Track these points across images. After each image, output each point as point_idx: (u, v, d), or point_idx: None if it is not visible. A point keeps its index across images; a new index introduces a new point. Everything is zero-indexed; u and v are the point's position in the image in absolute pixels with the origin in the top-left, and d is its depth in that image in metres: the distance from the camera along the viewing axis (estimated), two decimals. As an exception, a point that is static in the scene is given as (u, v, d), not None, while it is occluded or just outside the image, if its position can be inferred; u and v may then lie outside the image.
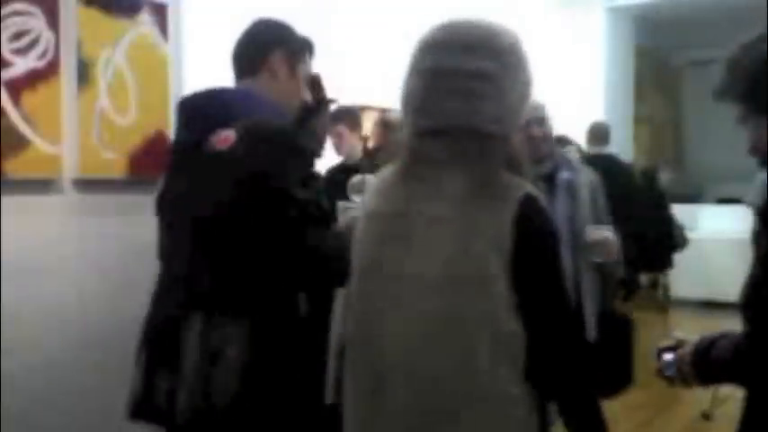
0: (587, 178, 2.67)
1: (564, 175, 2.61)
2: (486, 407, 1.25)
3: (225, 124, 1.65)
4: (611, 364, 2.43)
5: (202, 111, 1.76)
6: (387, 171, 1.43)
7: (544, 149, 2.57)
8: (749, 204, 8.63)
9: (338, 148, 3.85)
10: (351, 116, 3.94)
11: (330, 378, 1.71)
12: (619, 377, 2.44)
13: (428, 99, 1.31)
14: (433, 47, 1.34)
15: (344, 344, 1.44)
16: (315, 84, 2.55)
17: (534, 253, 1.25)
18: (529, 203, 1.25)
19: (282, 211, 1.59)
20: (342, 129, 3.77)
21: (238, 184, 1.60)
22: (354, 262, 1.39)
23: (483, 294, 1.23)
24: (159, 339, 1.69)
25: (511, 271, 1.22)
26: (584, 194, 2.59)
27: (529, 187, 1.28)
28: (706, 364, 1.45)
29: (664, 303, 7.61)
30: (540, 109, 2.55)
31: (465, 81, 1.28)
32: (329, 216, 1.76)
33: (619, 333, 2.49)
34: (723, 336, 1.44)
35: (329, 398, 1.71)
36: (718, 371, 1.44)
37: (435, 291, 1.26)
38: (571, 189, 2.56)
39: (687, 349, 1.47)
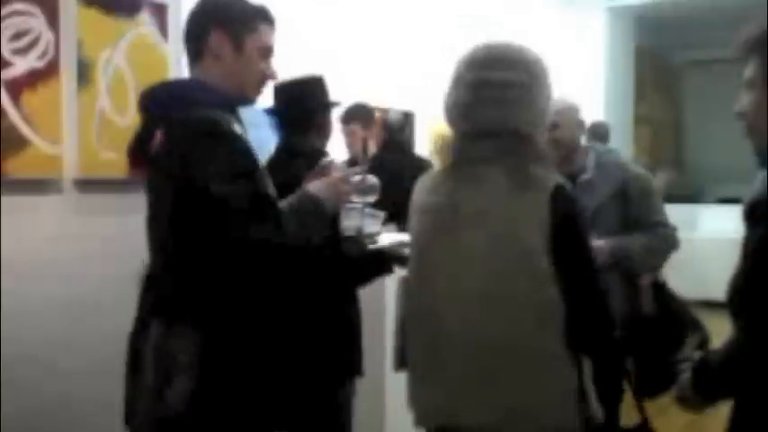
0: (614, 178, 2.59)
1: (585, 176, 2.59)
2: (534, 364, 1.51)
3: (163, 121, 1.61)
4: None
5: (148, 107, 1.71)
6: (435, 171, 1.74)
7: (560, 152, 2.58)
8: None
9: (351, 147, 3.85)
10: (365, 115, 3.95)
11: (396, 350, 1.78)
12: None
13: (472, 107, 1.57)
14: (476, 63, 1.59)
15: (405, 320, 1.70)
16: (318, 86, 2.55)
17: (567, 232, 1.50)
18: (559, 191, 1.51)
19: (203, 209, 1.51)
20: (355, 127, 3.77)
21: (167, 186, 1.58)
22: (412, 251, 1.66)
23: (528, 269, 1.49)
24: (130, 344, 1.70)
25: (550, 248, 1.48)
26: (605, 195, 2.55)
27: (558, 178, 1.54)
28: (707, 383, 1.51)
29: None
30: (555, 113, 2.56)
31: (503, 91, 1.54)
32: (266, 203, 1.57)
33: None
34: (711, 353, 1.53)
35: (394, 364, 1.81)
36: (717, 383, 1.49)
37: (486, 269, 1.52)
38: (590, 190, 2.54)
39: (685, 377, 1.56)
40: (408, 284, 1.68)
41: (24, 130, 2.46)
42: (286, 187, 1.73)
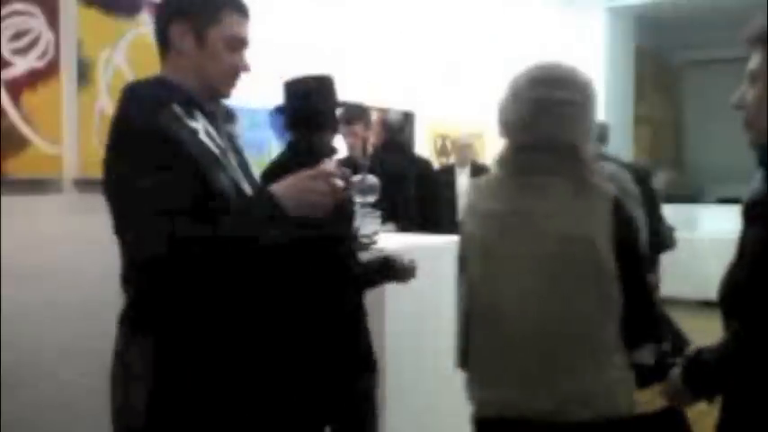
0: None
1: None
2: (595, 355, 1.66)
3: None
4: None
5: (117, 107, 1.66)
6: (488, 178, 1.84)
7: None
8: (749, 204, 8.51)
9: (352, 147, 3.85)
10: (365, 115, 3.97)
11: (459, 348, 1.85)
12: None
13: (531, 122, 1.70)
14: (534, 82, 1.73)
15: (469, 317, 1.80)
16: (332, 85, 2.54)
17: (626, 235, 1.68)
18: (617, 199, 1.69)
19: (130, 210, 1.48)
20: (358, 128, 3.78)
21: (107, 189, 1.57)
22: (474, 252, 1.78)
23: (595, 267, 1.64)
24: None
25: (612, 249, 1.64)
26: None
27: (612, 186, 1.71)
28: (698, 379, 1.56)
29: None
30: None
31: (561, 108, 1.70)
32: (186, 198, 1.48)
33: None
34: (705, 350, 1.56)
35: (457, 362, 1.86)
36: (710, 379, 1.54)
37: (553, 268, 1.66)
38: None
39: (675, 373, 1.62)
40: (472, 284, 1.80)
41: (24, 130, 2.46)
42: None
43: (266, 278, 1.61)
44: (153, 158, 1.46)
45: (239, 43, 1.63)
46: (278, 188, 1.50)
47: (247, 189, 1.63)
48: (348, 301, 2.35)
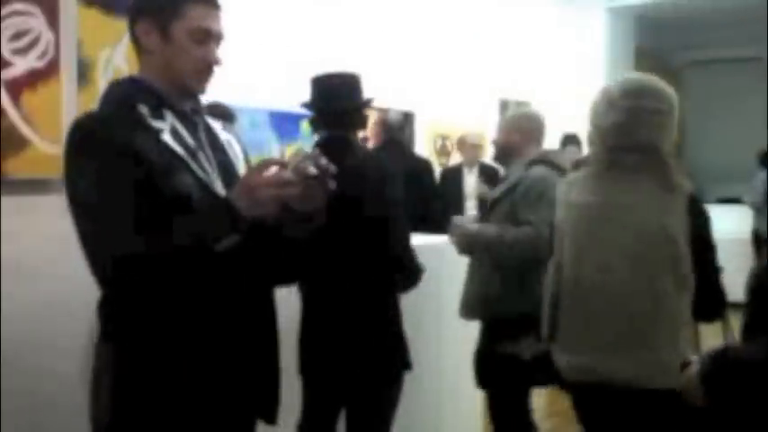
0: (515, 176, 2.96)
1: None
2: (669, 325, 1.96)
3: None
4: None
5: None
6: (579, 175, 2.16)
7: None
8: (749, 204, 8.62)
9: None
10: None
11: (547, 323, 2.13)
12: None
13: (628, 127, 2.02)
14: (630, 93, 2.04)
15: (556, 295, 2.10)
16: (360, 83, 2.56)
17: (699, 225, 2.01)
18: (693, 195, 2.02)
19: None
20: None
21: None
22: (566, 238, 2.10)
23: (673, 251, 1.96)
24: None
25: (688, 237, 1.96)
26: (504, 188, 2.95)
27: (689, 183, 2.05)
28: (720, 379, 1.60)
29: None
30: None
31: (652, 116, 2.02)
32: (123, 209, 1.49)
33: None
34: (732, 349, 1.66)
35: (545, 334, 2.15)
36: (735, 382, 1.57)
37: (634, 251, 1.98)
38: (500, 181, 3.09)
39: (694, 369, 1.67)
40: (563, 265, 2.10)
41: (24, 130, 2.46)
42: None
43: (227, 279, 1.56)
44: (101, 170, 1.46)
45: (206, 35, 1.58)
46: (235, 189, 1.47)
47: (219, 189, 1.59)
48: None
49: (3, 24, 2.40)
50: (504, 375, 2.80)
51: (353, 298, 2.39)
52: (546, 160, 2.90)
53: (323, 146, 2.44)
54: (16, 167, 2.43)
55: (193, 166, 1.56)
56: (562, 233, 2.12)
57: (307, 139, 4.10)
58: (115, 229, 1.43)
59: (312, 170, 1.46)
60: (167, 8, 1.56)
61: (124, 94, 1.59)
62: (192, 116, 1.65)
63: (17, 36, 2.44)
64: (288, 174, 1.44)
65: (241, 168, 1.73)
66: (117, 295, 1.54)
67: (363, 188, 2.36)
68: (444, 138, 6.39)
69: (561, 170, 2.78)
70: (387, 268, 2.44)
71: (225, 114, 3.40)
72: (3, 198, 2.35)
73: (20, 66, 2.45)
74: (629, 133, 2.02)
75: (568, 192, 2.15)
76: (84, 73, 2.65)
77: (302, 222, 1.59)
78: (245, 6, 4.34)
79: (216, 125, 1.76)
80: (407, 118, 5.37)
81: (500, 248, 2.75)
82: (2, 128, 2.39)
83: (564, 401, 3.94)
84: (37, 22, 2.49)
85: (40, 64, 2.50)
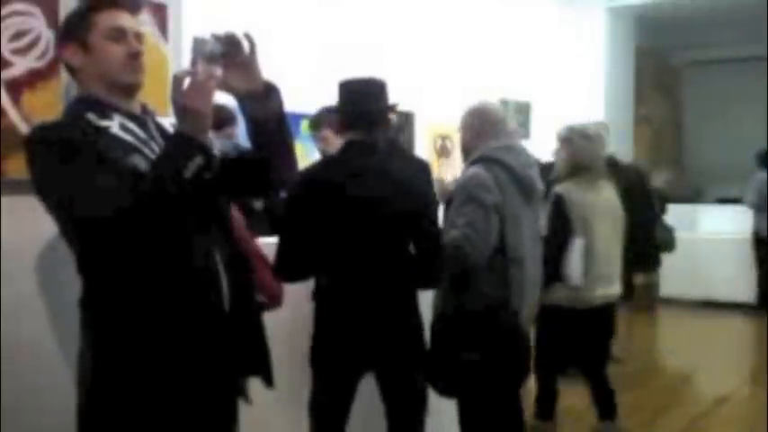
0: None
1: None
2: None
3: None
4: None
5: None
6: (571, 185, 3.35)
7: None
8: (748, 204, 8.63)
9: (324, 153, 3.79)
10: (334, 119, 3.91)
11: (554, 263, 3.32)
12: None
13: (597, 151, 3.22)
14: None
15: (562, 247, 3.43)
16: (379, 88, 2.64)
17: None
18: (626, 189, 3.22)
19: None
20: (326, 133, 3.72)
21: None
22: (576, 219, 3.44)
23: (621, 223, 3.72)
24: None
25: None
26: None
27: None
28: None
29: (650, 303, 7.57)
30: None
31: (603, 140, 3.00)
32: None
33: None
34: None
35: (553, 275, 3.34)
36: None
37: (614, 224, 3.60)
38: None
39: None
40: (574, 232, 3.42)
41: (24, 130, 2.46)
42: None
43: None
44: (63, 151, 1.57)
45: (120, 33, 1.70)
46: (175, 119, 1.59)
47: None
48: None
49: (3, 24, 2.40)
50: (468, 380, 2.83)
51: (387, 293, 2.50)
52: (487, 158, 2.85)
53: (348, 147, 2.58)
54: (16, 167, 2.43)
55: (146, 151, 1.67)
56: (573, 218, 3.42)
57: (306, 138, 4.10)
58: (92, 185, 1.52)
59: (217, 50, 1.55)
60: (79, 24, 1.70)
61: (72, 110, 1.71)
62: (141, 115, 1.76)
63: (17, 36, 2.44)
64: (201, 70, 1.54)
65: None
66: (96, 284, 1.68)
67: (388, 186, 2.49)
68: (444, 138, 6.39)
69: (506, 167, 2.78)
70: (413, 265, 2.56)
71: (225, 116, 3.39)
72: (3, 198, 2.35)
73: (20, 66, 2.45)
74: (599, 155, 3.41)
75: (570, 190, 3.29)
76: (84, 73, 2.65)
77: (255, 100, 1.70)
78: (246, 7, 4.34)
79: (166, 123, 1.84)
80: (407, 118, 5.37)
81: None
82: (2, 128, 2.39)
83: (561, 402, 3.95)
84: (37, 22, 2.49)
85: (40, 64, 2.50)
